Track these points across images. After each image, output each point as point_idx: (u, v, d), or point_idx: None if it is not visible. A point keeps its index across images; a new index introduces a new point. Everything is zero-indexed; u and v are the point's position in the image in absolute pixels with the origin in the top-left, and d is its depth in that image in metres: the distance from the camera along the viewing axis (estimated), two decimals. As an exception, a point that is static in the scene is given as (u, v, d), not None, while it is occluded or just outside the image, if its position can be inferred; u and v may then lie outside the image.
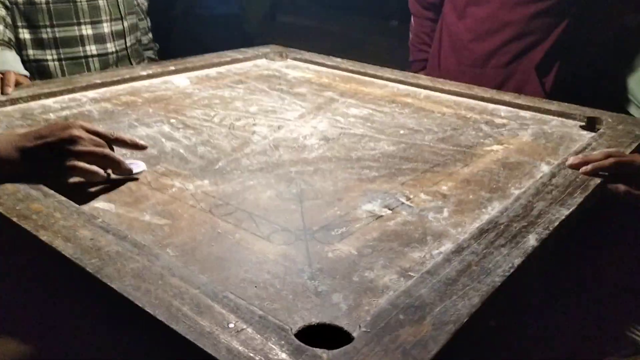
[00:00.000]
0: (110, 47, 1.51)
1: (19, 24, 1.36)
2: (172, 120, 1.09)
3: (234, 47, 1.68)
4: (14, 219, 0.66)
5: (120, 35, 1.54)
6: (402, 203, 0.79)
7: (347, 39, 4.13)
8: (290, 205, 0.78)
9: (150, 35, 1.79)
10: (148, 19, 1.75)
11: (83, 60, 1.47)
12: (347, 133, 1.07)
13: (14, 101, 1.12)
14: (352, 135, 1.05)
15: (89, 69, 1.47)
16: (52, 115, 1.08)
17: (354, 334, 0.52)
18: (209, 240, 0.67)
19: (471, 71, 1.62)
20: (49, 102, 1.16)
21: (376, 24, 4.61)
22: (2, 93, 1.12)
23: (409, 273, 0.63)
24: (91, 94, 1.22)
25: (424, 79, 1.43)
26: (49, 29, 1.38)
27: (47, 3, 1.36)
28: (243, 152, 0.96)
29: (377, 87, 1.40)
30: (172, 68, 1.41)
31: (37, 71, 1.41)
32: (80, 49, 1.45)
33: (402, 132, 1.08)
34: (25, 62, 1.37)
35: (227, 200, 0.78)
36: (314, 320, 0.54)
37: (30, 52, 1.39)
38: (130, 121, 1.07)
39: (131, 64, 1.58)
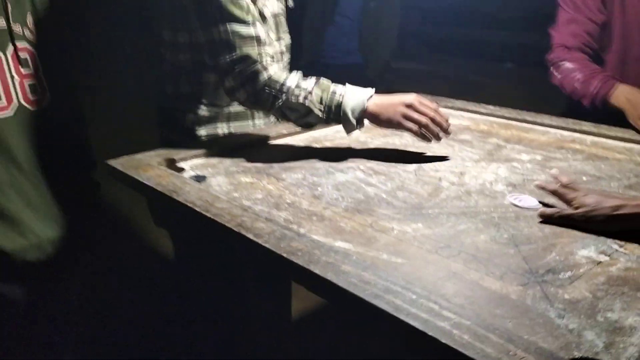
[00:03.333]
0: None
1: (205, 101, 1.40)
2: (361, 167, 1.20)
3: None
4: (284, 255, 0.78)
5: None
6: (616, 250, 0.83)
7: (463, 82, 4.16)
8: (508, 249, 0.84)
9: None
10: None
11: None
12: (530, 179, 1.12)
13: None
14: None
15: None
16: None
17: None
18: (448, 279, 0.75)
19: None
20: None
21: (490, 67, 4.62)
22: (446, 132, 1.24)
23: (652, 316, 0.67)
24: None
25: (587, 125, 1.46)
26: (224, 109, 1.40)
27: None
28: (439, 197, 1.04)
29: (540, 134, 1.45)
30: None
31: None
32: (250, 122, 1.48)
33: (584, 178, 1.12)
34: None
35: (448, 243, 0.86)
36: (576, 354, 0.60)
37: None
38: (326, 167, 1.20)
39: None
